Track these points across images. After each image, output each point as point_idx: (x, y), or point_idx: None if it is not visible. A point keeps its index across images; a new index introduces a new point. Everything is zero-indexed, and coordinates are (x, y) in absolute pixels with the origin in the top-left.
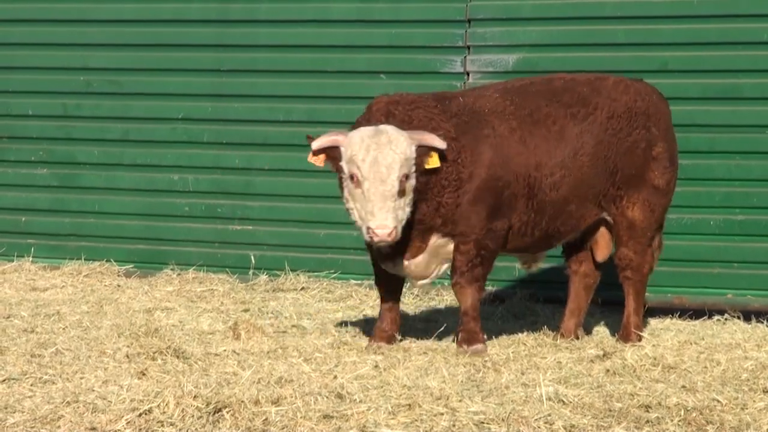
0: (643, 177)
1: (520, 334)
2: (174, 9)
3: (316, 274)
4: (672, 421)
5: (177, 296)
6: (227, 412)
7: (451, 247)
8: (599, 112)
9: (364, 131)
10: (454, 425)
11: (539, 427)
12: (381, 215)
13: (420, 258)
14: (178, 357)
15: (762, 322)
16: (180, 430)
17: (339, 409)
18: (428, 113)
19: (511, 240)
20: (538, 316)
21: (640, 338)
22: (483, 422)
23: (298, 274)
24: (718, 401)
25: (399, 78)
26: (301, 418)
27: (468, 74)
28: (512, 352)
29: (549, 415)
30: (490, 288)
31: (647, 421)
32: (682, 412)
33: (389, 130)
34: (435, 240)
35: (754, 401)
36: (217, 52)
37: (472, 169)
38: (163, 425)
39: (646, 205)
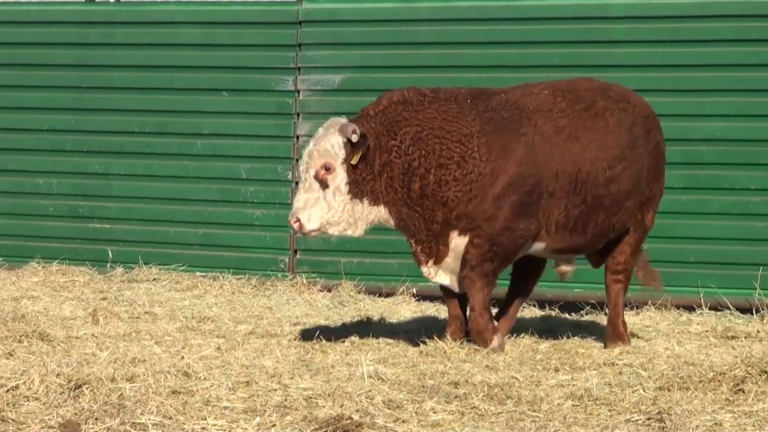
0: (660, 180)
1: (345, 320)
2: (38, 33)
3: (166, 267)
4: (477, 396)
5: (42, 286)
6: (87, 388)
7: None
8: (634, 109)
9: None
10: (286, 400)
11: (361, 401)
12: (294, 204)
13: (448, 261)
14: (42, 339)
15: (554, 310)
16: (44, 404)
17: (186, 385)
18: (447, 106)
19: (562, 237)
20: (362, 303)
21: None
22: (311, 397)
23: (150, 267)
24: (517, 378)
25: (238, 95)
26: (152, 393)
27: (299, 92)
28: (338, 336)
29: (369, 390)
30: (319, 279)
31: (456, 396)
32: (486, 388)
33: (329, 122)
34: (456, 240)
35: (546, 378)
36: (78, 71)
37: (495, 166)
38: (28, 400)
39: (655, 209)
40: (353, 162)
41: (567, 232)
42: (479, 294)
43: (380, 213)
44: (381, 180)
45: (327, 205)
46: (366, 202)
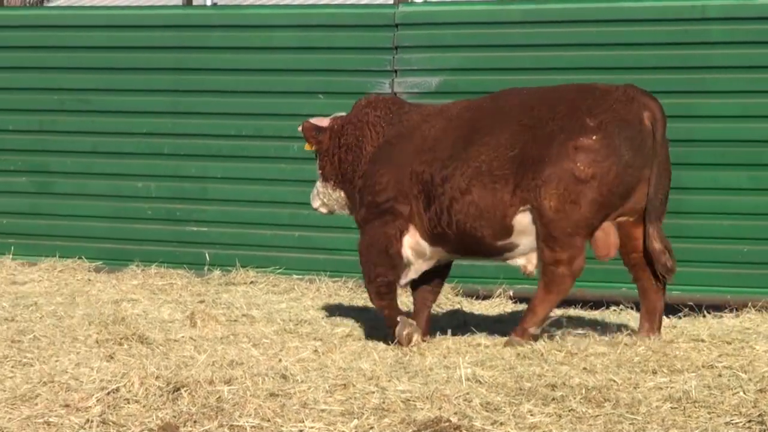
0: (561, 166)
1: (443, 322)
2: (138, 37)
3: (263, 269)
4: (575, 398)
5: (141, 289)
6: (185, 391)
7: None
8: (516, 107)
9: None
10: (383, 402)
11: (459, 404)
12: None
13: None
14: (142, 342)
15: None
16: (144, 406)
17: (283, 388)
18: (376, 111)
19: (434, 239)
20: (459, 305)
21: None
22: (409, 400)
23: (247, 270)
24: (615, 381)
25: (334, 98)
26: (250, 396)
27: (395, 94)
28: (436, 338)
29: (467, 393)
30: None
31: (553, 399)
32: (584, 391)
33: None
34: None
35: (645, 381)
36: (176, 74)
37: (367, 165)
38: (128, 402)
39: (558, 196)
40: (306, 149)
41: (440, 230)
42: None
43: (342, 197)
44: (332, 165)
45: (317, 188)
46: (331, 184)
